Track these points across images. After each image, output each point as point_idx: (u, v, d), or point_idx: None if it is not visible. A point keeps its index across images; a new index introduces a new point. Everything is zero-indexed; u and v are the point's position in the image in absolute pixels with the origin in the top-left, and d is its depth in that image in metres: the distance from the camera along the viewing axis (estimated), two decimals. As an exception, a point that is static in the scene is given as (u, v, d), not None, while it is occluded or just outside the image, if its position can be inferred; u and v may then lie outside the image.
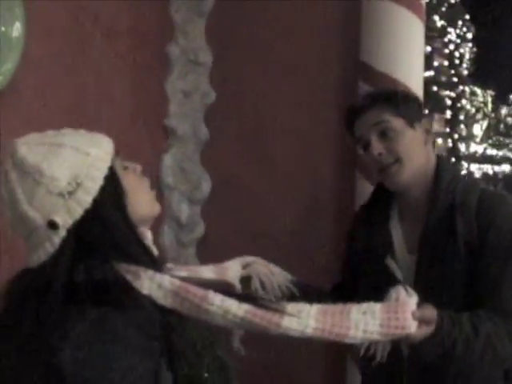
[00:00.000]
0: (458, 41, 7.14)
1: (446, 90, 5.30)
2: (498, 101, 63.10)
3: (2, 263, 3.11)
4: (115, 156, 1.75)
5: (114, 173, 1.71)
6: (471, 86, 52.79)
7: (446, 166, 2.57)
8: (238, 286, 2.34)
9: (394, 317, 1.95)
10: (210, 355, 3.33)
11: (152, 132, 4.24)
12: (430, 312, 2.14)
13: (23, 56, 3.09)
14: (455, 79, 7.45)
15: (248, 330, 1.85)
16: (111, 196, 1.69)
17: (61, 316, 1.56)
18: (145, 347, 1.61)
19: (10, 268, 2.83)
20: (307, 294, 2.43)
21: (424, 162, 2.53)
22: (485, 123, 59.09)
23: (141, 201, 1.81)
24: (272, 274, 2.58)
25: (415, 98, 2.75)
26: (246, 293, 2.17)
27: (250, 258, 2.38)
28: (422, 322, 2.06)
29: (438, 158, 2.60)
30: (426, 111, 3.89)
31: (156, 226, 4.28)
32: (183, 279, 1.74)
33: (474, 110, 55.20)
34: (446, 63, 5.36)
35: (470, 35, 8.44)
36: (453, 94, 7.14)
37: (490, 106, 59.31)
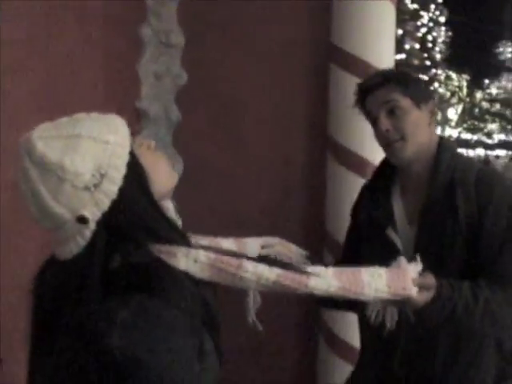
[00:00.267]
0: (431, 24, 7.13)
1: (418, 73, 5.31)
2: (473, 85, 63.55)
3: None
4: (131, 138, 1.72)
5: (135, 156, 1.70)
6: (446, 71, 53.22)
7: (446, 146, 2.69)
8: None
9: (397, 279, 2.08)
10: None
11: (124, 114, 4.21)
12: (430, 279, 2.26)
13: (-5, 41, 3.09)
14: (428, 62, 7.43)
15: (279, 292, 1.86)
16: (135, 181, 1.68)
17: (103, 305, 1.58)
18: (188, 327, 1.63)
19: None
20: None
21: (427, 140, 2.64)
22: (460, 107, 59.45)
23: (160, 176, 1.80)
24: (290, 252, 2.61)
25: (423, 81, 2.89)
26: (272, 258, 2.19)
27: (271, 239, 2.38)
28: (422, 288, 2.19)
29: (440, 137, 2.73)
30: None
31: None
32: (215, 251, 1.79)
33: (449, 94, 55.59)
34: (417, 46, 5.36)
35: (442, 19, 8.43)
36: (425, 78, 7.13)
37: (465, 90, 59.70)
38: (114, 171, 1.63)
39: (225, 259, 1.77)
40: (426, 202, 2.62)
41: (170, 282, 1.64)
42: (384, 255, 2.28)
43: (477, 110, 63.04)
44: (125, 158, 1.66)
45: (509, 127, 60.55)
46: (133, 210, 1.67)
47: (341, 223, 3.98)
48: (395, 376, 2.69)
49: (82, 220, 1.61)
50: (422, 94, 2.66)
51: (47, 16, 3.59)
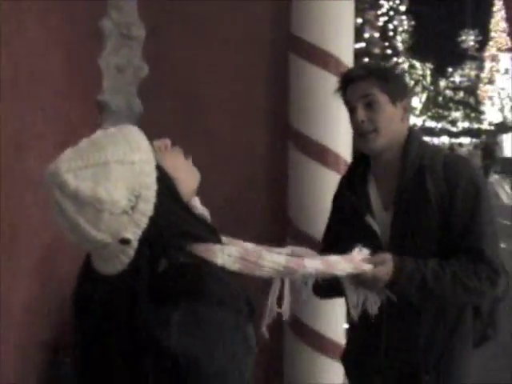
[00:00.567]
0: (392, 13, 7.20)
1: (377, 61, 5.37)
2: (437, 74, 63.84)
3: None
4: (153, 149, 1.81)
5: (161, 169, 1.78)
6: (410, 59, 53.47)
7: (414, 135, 2.90)
8: None
9: (349, 261, 2.39)
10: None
11: (86, 107, 4.23)
12: (382, 255, 2.58)
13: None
14: (389, 51, 7.50)
15: (285, 276, 2.15)
16: (166, 193, 1.77)
17: (156, 311, 1.68)
18: (235, 320, 1.74)
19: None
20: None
21: (398, 133, 2.84)
22: (424, 96, 59.73)
23: (185, 178, 1.90)
24: None
25: (403, 79, 3.09)
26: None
27: (299, 250, 2.47)
28: (378, 264, 2.50)
29: (409, 128, 2.92)
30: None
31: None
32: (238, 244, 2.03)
33: (412, 83, 55.83)
34: (377, 35, 5.43)
35: (403, 8, 8.50)
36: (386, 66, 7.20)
37: (428, 78, 59.99)
38: (146, 190, 1.72)
39: (249, 252, 1.96)
40: (398, 188, 2.82)
41: (213, 280, 1.77)
42: (364, 240, 2.56)
43: (441, 99, 63.39)
44: (153, 175, 1.74)
45: (472, 115, 60.97)
46: (169, 220, 1.77)
47: (303, 211, 4.03)
48: (382, 350, 2.91)
49: (125, 241, 1.71)
50: (398, 92, 2.85)
51: (7, 9, 3.57)
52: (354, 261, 2.39)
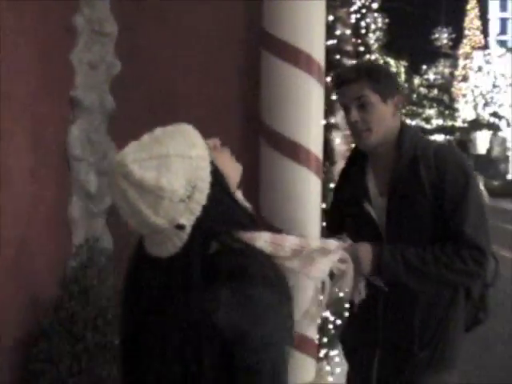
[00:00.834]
0: (364, 11, 7.21)
1: (350, 58, 5.38)
2: (411, 71, 64.01)
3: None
4: (207, 147, 2.00)
5: (214, 164, 1.97)
6: (384, 57, 53.51)
7: (407, 129, 3.09)
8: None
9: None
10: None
11: (58, 104, 4.23)
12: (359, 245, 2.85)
13: None
14: (362, 48, 7.50)
15: (298, 256, 2.23)
16: (218, 185, 1.96)
17: (206, 289, 1.88)
18: (277, 298, 1.94)
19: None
20: None
21: (390, 128, 3.03)
22: (398, 93, 59.95)
23: (231, 172, 2.11)
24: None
25: (393, 77, 3.20)
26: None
27: (345, 256, 2.62)
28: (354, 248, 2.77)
29: (402, 122, 3.11)
30: (329, 79, 4.01)
31: (64, 197, 4.29)
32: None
33: (387, 81, 56.01)
34: (348, 32, 5.44)
35: (375, 5, 8.50)
36: (359, 63, 7.23)
37: (403, 76, 60.14)
38: (201, 182, 1.93)
39: (276, 235, 2.13)
40: (392, 175, 3.01)
41: (258, 262, 1.98)
42: (363, 226, 3.03)
43: (415, 96, 63.56)
44: (207, 169, 1.94)
45: (446, 112, 61.23)
46: (220, 209, 1.97)
47: (275, 207, 4.04)
48: (380, 328, 3.10)
49: (180, 227, 1.91)
50: (389, 90, 3.01)
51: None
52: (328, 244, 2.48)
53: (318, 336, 4.42)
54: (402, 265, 2.85)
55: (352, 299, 2.91)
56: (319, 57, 4.07)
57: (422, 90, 64.79)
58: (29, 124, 3.86)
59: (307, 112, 4.01)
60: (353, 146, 3.46)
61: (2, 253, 3.61)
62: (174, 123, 4.27)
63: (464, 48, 63.42)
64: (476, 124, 42.39)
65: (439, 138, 63.78)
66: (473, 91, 37.26)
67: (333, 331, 5.20)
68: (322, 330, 4.67)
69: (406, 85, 62.42)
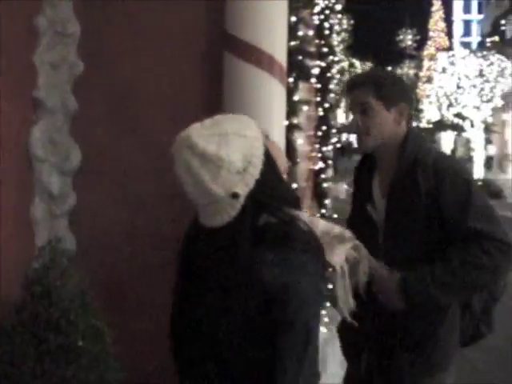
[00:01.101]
0: (327, 12, 7.27)
1: (313, 59, 5.42)
2: (376, 72, 64.16)
3: None
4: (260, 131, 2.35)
5: (266, 146, 2.31)
6: (350, 58, 53.78)
7: (412, 136, 3.25)
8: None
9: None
10: (84, 324, 3.42)
11: (20, 104, 4.21)
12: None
13: None
14: (325, 49, 7.56)
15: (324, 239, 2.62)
16: (269, 164, 2.30)
17: (254, 251, 2.23)
18: (315, 268, 2.28)
19: None
20: None
21: (393, 134, 3.23)
22: (363, 94, 60.21)
23: (279, 159, 2.45)
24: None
25: (399, 85, 3.36)
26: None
27: (357, 243, 3.06)
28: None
29: (409, 129, 3.28)
30: (291, 79, 4.03)
31: (27, 198, 4.27)
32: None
33: (352, 82, 56.20)
34: (311, 33, 5.48)
35: (338, 6, 8.57)
36: (323, 64, 7.26)
37: (368, 77, 60.48)
38: (255, 159, 2.25)
39: (311, 218, 2.65)
40: (393, 178, 3.21)
41: (300, 234, 2.30)
42: (364, 224, 3.31)
43: (380, 97, 63.61)
44: (261, 148, 2.29)
45: (412, 112, 61.55)
46: (270, 185, 2.31)
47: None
48: (370, 323, 3.26)
49: (235, 196, 2.23)
50: (393, 98, 3.22)
51: None
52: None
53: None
54: (431, 285, 2.98)
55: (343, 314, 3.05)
56: (281, 58, 4.09)
57: (387, 91, 65.16)
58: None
59: (269, 113, 4.03)
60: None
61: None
62: (136, 124, 4.30)
63: (428, 49, 63.84)
64: (440, 125, 42.63)
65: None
66: (437, 92, 37.43)
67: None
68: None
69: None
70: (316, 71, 6.80)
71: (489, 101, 33.54)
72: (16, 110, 4.13)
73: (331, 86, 7.85)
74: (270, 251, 2.22)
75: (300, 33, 4.87)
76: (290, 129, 4.62)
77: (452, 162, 3.26)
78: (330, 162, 8.13)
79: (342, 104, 52.05)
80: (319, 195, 7.70)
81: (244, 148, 2.25)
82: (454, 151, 44.52)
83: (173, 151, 2.31)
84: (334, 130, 8.07)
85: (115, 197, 4.34)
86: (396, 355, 3.22)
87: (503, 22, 24.63)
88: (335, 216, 7.49)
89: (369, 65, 59.20)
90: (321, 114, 7.69)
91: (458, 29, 77.37)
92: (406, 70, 67.00)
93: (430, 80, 52.55)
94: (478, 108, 33.24)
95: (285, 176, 2.54)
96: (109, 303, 3.92)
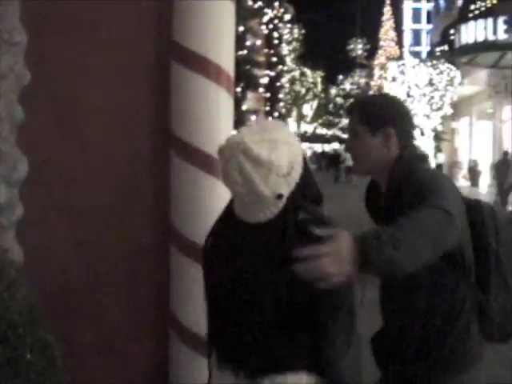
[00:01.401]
0: (276, 21, 7.32)
1: (261, 69, 5.44)
2: (328, 81, 64.71)
3: None
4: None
5: (303, 153, 2.71)
6: (301, 67, 54.04)
7: (404, 158, 3.26)
8: None
9: None
10: (32, 337, 3.40)
11: (-34, 114, 4.17)
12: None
13: None
14: (275, 59, 7.62)
15: None
16: (306, 170, 2.72)
17: (297, 241, 2.49)
18: None
19: None
20: None
21: (381, 158, 3.28)
22: (315, 103, 60.44)
23: None
24: None
25: (385, 110, 3.36)
26: None
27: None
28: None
29: (403, 151, 3.29)
30: (239, 89, 4.05)
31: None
32: None
33: (304, 91, 56.43)
34: (259, 43, 5.51)
35: (288, 16, 8.63)
36: (272, 74, 7.32)
37: (319, 86, 60.76)
38: (297, 164, 2.65)
39: None
40: (384, 200, 3.30)
41: (331, 226, 2.65)
42: None
43: (331, 106, 64.23)
44: (301, 156, 2.69)
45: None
46: (307, 187, 2.72)
47: (186, 217, 4.06)
48: (386, 337, 3.38)
49: (280, 196, 2.60)
50: (377, 123, 3.27)
51: None
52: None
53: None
54: (387, 242, 2.47)
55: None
56: (229, 67, 4.11)
57: (339, 100, 65.56)
58: None
59: (217, 122, 4.05)
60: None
61: None
62: (83, 134, 4.27)
63: (379, 58, 64.56)
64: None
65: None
66: (388, 101, 37.73)
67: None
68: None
69: (323, 95, 63.06)
70: (265, 81, 6.85)
71: (438, 109, 33.89)
72: (-39, 120, 4.09)
73: (281, 96, 7.88)
74: (308, 242, 2.39)
75: (248, 42, 4.89)
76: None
77: (434, 176, 3.13)
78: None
79: (293, 113, 52.38)
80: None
81: (289, 154, 2.61)
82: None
83: (224, 153, 2.62)
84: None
85: (62, 207, 4.30)
86: (410, 361, 3.28)
87: (452, 31, 24.87)
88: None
89: (320, 74, 59.58)
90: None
91: (407, 38, 78.18)
92: (357, 78, 67.55)
93: (380, 89, 53.02)
94: (427, 116, 33.58)
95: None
96: (57, 315, 3.89)
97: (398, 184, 3.16)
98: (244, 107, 4.21)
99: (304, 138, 45.19)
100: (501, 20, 21.24)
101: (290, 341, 2.68)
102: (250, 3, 5.08)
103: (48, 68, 4.34)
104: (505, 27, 21.06)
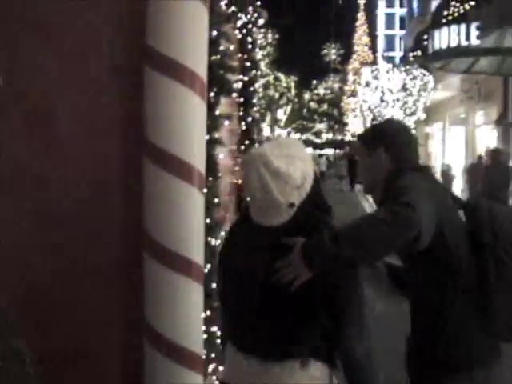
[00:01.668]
0: (250, 26, 7.29)
1: (234, 74, 5.42)
2: (302, 86, 64.86)
3: None
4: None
5: (314, 168, 3.08)
6: (275, 72, 54.14)
7: (397, 173, 3.53)
8: None
9: None
10: (3, 344, 3.37)
11: None
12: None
13: None
14: (248, 64, 7.58)
15: None
16: (315, 182, 3.07)
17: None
18: None
19: None
20: None
21: (376, 176, 3.65)
22: (288, 108, 60.59)
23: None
24: None
25: (380, 132, 3.75)
26: None
27: None
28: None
29: (399, 166, 3.59)
30: (212, 94, 4.05)
31: None
32: None
33: (278, 96, 56.53)
34: (232, 47, 5.49)
35: (261, 21, 8.61)
36: (246, 78, 7.28)
37: (293, 91, 60.90)
38: (309, 177, 3.01)
39: None
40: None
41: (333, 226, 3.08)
42: None
43: (305, 111, 64.36)
44: (312, 170, 3.05)
45: (336, 127, 62.22)
46: (315, 197, 3.06)
47: (159, 223, 4.03)
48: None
49: (292, 205, 2.96)
50: (371, 145, 3.67)
51: None
52: None
53: (205, 351, 4.40)
54: (329, 243, 2.90)
55: None
56: (202, 72, 4.08)
57: (312, 105, 65.77)
58: None
59: (190, 127, 4.02)
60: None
61: None
62: (53, 138, 4.22)
63: (353, 63, 64.78)
64: (365, 138, 43.20)
65: (329, 151, 64.65)
66: (361, 106, 37.91)
67: (220, 346, 5.19)
68: (210, 344, 4.66)
69: (297, 99, 63.20)
70: (239, 85, 6.82)
71: (412, 114, 34.06)
72: None
73: (254, 100, 7.85)
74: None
75: (221, 47, 4.86)
76: (212, 143, 4.61)
77: (405, 179, 3.44)
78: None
79: (267, 118, 52.44)
80: (243, 209, 7.69)
81: (303, 169, 2.97)
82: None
83: (247, 163, 3.00)
84: (257, 145, 8.08)
85: (32, 212, 4.25)
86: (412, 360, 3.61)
87: (425, 37, 24.97)
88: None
89: (294, 79, 59.71)
90: (244, 128, 7.69)
91: (381, 43, 78.53)
92: (331, 83, 67.76)
93: (354, 94, 53.24)
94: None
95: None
96: (27, 322, 3.85)
97: (385, 193, 3.50)
98: (217, 112, 4.20)
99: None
100: (474, 26, 21.34)
101: (303, 330, 3.01)
102: (224, 8, 5.06)
103: (19, 71, 4.29)
104: (478, 33, 21.17)
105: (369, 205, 26.11)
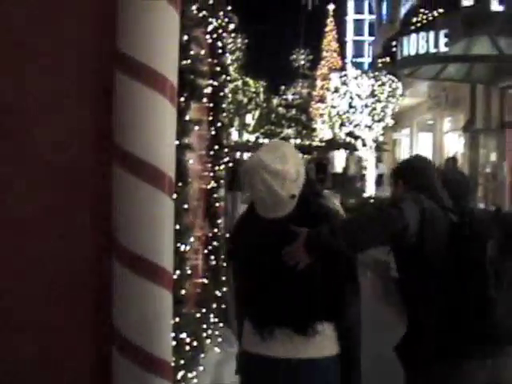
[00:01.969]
0: (220, 31, 7.28)
1: (204, 78, 5.41)
2: (270, 91, 64.83)
3: None
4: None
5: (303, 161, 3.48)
6: (243, 77, 54.13)
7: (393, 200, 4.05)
8: None
9: None
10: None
11: None
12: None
13: None
14: (218, 68, 7.57)
15: None
16: (306, 173, 3.55)
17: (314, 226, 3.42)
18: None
19: None
20: None
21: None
22: (257, 113, 60.57)
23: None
24: None
25: (398, 168, 4.54)
26: None
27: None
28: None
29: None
30: (182, 99, 4.02)
31: None
32: None
33: (246, 100, 56.51)
34: (203, 52, 5.47)
35: (232, 26, 8.60)
36: (215, 83, 7.27)
37: (261, 96, 60.88)
38: (302, 170, 3.49)
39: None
40: None
41: (332, 212, 3.60)
42: None
43: (273, 116, 64.36)
44: (302, 163, 3.55)
45: (304, 132, 62.34)
46: (310, 187, 3.57)
47: (128, 229, 4.00)
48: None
49: (293, 196, 3.43)
50: (394, 178, 4.40)
51: None
52: None
53: (173, 358, 4.37)
54: (328, 234, 3.41)
55: None
56: (172, 77, 4.06)
57: (281, 110, 65.76)
58: None
59: (160, 132, 3.99)
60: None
61: None
62: (21, 143, 4.16)
63: (322, 69, 64.89)
64: (333, 143, 43.35)
65: (298, 157, 64.46)
66: (330, 112, 37.95)
67: (189, 353, 5.17)
68: (178, 351, 4.63)
69: (265, 104, 63.22)
70: (208, 90, 6.81)
71: (380, 120, 34.14)
72: None
73: (224, 105, 7.83)
74: (325, 223, 3.44)
75: (192, 52, 4.84)
76: (181, 149, 4.60)
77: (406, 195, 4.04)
78: (222, 181, 8.10)
79: (236, 123, 52.43)
80: (211, 215, 7.71)
81: (296, 164, 3.45)
82: (345, 169, 45.26)
83: (249, 171, 3.43)
84: (226, 150, 8.06)
85: None
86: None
87: (394, 43, 25.11)
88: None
89: (262, 84, 59.72)
90: (213, 133, 7.68)
91: (350, 50, 78.87)
92: (300, 89, 67.81)
93: (322, 99, 53.34)
94: (369, 127, 33.79)
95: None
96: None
97: None
98: (187, 117, 4.18)
99: (246, 147, 45.12)
100: (442, 33, 21.50)
101: (313, 301, 3.49)
102: (195, 12, 5.04)
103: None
104: (446, 40, 21.32)
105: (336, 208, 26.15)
